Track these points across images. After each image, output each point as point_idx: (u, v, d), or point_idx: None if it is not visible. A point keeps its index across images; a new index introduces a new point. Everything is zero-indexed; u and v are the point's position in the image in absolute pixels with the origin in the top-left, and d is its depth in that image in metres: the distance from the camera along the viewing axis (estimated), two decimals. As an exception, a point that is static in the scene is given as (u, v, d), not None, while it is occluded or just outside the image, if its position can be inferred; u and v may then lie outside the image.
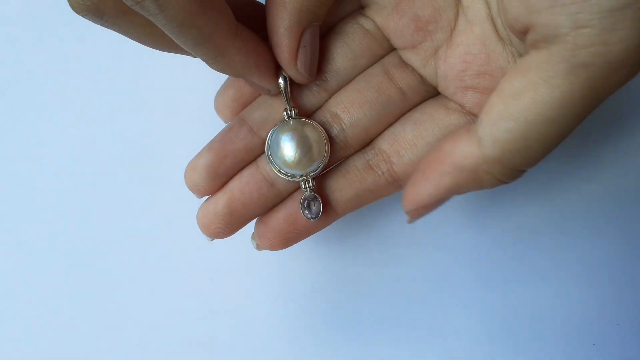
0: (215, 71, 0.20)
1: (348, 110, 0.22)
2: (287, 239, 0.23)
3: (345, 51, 0.22)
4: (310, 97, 0.23)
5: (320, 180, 0.23)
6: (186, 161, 0.23)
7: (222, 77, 0.23)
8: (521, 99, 0.16)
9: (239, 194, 0.22)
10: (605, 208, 0.28)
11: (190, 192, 0.23)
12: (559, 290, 0.28)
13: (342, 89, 0.23)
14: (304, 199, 0.22)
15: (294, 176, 0.22)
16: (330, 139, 0.23)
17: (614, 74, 0.15)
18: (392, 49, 0.23)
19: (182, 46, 0.18)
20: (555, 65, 0.15)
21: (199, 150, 0.23)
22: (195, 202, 0.23)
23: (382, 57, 0.23)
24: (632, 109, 0.29)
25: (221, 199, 0.22)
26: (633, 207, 0.28)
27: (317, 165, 0.22)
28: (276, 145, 0.22)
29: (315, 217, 0.22)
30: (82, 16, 0.17)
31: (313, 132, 0.22)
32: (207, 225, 0.22)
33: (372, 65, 0.23)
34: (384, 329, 0.28)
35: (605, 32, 0.14)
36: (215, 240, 0.23)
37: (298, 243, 0.28)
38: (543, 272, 0.28)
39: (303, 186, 0.22)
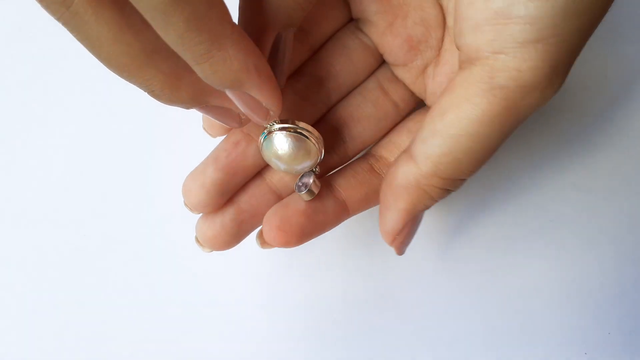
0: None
1: (348, 125, 0.23)
2: (303, 233, 0.21)
3: (349, 68, 0.23)
4: (313, 111, 0.23)
5: (331, 178, 0.23)
6: (180, 164, 0.22)
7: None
8: (446, 116, 0.17)
9: (247, 206, 0.22)
10: (596, 216, 0.28)
11: (187, 208, 0.22)
12: (550, 299, 0.28)
13: (340, 104, 0.23)
14: (299, 180, 0.21)
15: (302, 169, 0.21)
16: (331, 151, 0.23)
17: (527, 95, 0.16)
18: (383, 60, 0.24)
19: (167, 34, 0.15)
20: (475, 85, 0.17)
21: (186, 155, 0.23)
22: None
23: (376, 69, 0.24)
24: (626, 117, 0.29)
25: (228, 212, 0.22)
26: (624, 216, 0.28)
27: (314, 161, 0.21)
28: (270, 153, 0.21)
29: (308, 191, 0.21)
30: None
31: (298, 140, 0.21)
32: (212, 238, 0.22)
33: (368, 78, 0.24)
34: (375, 338, 0.28)
35: (518, 60, 0.16)
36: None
37: (287, 253, 0.28)
38: (534, 281, 0.28)
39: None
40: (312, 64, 0.23)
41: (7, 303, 0.29)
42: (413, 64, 0.23)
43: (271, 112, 0.19)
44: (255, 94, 0.18)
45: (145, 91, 0.17)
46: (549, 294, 0.28)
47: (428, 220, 0.29)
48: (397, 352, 0.28)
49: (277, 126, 0.20)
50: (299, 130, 0.20)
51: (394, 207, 0.20)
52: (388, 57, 0.23)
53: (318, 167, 0.22)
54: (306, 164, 0.21)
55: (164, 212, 0.29)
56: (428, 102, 0.23)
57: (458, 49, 0.18)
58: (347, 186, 0.23)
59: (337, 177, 0.23)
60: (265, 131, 0.20)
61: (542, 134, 0.29)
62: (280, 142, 0.20)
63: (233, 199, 0.22)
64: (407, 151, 0.19)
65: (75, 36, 0.16)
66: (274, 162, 0.21)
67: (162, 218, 0.29)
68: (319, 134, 0.21)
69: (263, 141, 0.21)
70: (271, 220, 0.21)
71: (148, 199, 0.29)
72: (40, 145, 0.30)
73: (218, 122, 0.20)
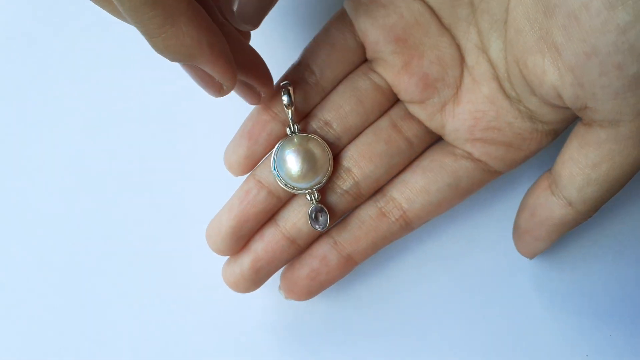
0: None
1: (359, 164, 0.23)
2: (310, 292, 0.24)
3: (359, 109, 0.23)
4: None
5: (336, 232, 0.24)
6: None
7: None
8: (601, 167, 0.20)
9: (263, 253, 0.23)
10: (597, 216, 0.28)
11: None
12: (550, 300, 0.28)
13: (352, 143, 0.24)
14: (311, 212, 0.23)
15: (299, 189, 0.23)
16: (344, 192, 0.23)
17: None
18: (397, 99, 0.24)
19: (122, 4, 0.16)
20: (624, 140, 0.20)
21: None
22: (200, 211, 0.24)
23: (389, 108, 0.24)
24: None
25: (246, 260, 0.23)
26: (625, 215, 0.28)
27: (321, 178, 0.23)
28: (282, 160, 0.22)
29: (323, 228, 0.23)
30: None
31: (316, 147, 0.23)
32: (235, 284, 0.24)
33: (380, 118, 0.24)
34: (375, 339, 0.28)
35: None
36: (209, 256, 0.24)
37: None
38: (534, 281, 0.28)
39: (309, 198, 0.23)
40: (322, 107, 0.23)
41: (6, 304, 0.28)
42: (429, 102, 0.23)
43: (224, 87, 0.19)
44: (207, 69, 0.18)
45: None
46: (549, 294, 0.28)
47: (428, 222, 0.28)
48: (398, 353, 0.28)
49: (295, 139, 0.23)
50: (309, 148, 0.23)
51: (548, 239, 0.24)
52: (404, 96, 0.23)
53: (317, 192, 0.23)
54: (308, 183, 0.23)
55: (166, 216, 0.28)
56: (447, 138, 0.23)
57: (582, 107, 0.20)
58: (352, 240, 0.24)
59: (342, 231, 0.24)
60: (279, 144, 0.23)
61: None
62: (291, 160, 0.22)
63: (250, 246, 0.24)
64: (555, 195, 0.22)
65: None
66: (282, 179, 0.23)
67: (164, 221, 0.28)
68: (329, 156, 0.23)
69: (276, 154, 0.23)
70: (283, 283, 0.25)
71: (158, 206, 0.29)
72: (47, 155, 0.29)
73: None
